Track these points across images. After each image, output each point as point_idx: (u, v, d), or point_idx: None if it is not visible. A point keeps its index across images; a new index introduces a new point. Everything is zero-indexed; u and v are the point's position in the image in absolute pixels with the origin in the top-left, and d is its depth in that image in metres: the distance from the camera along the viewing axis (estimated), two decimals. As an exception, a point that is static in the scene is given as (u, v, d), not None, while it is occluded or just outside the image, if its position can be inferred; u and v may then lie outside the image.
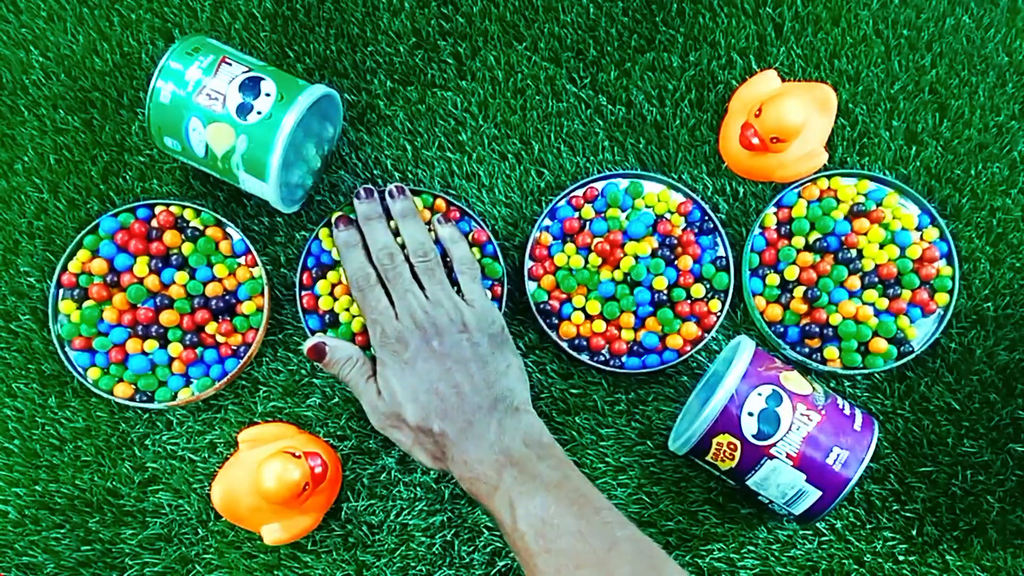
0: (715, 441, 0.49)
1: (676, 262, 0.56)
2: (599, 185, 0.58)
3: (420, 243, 0.54)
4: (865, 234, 0.56)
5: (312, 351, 0.52)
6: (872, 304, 0.56)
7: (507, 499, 0.46)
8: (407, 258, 0.54)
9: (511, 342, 0.53)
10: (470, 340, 0.51)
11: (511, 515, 0.45)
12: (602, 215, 0.57)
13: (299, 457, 0.50)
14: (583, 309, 0.57)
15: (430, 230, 0.56)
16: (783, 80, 0.59)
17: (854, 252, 0.56)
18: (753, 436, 0.48)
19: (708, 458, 0.50)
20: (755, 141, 0.55)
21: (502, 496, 0.46)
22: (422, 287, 0.53)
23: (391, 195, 0.55)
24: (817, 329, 0.56)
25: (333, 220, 0.56)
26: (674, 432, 0.55)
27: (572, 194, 0.58)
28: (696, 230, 0.57)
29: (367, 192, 0.55)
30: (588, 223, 0.57)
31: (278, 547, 0.55)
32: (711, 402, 0.49)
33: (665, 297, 0.56)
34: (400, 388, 0.50)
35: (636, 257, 0.56)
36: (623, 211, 0.58)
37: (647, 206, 0.58)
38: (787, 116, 0.53)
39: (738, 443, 0.49)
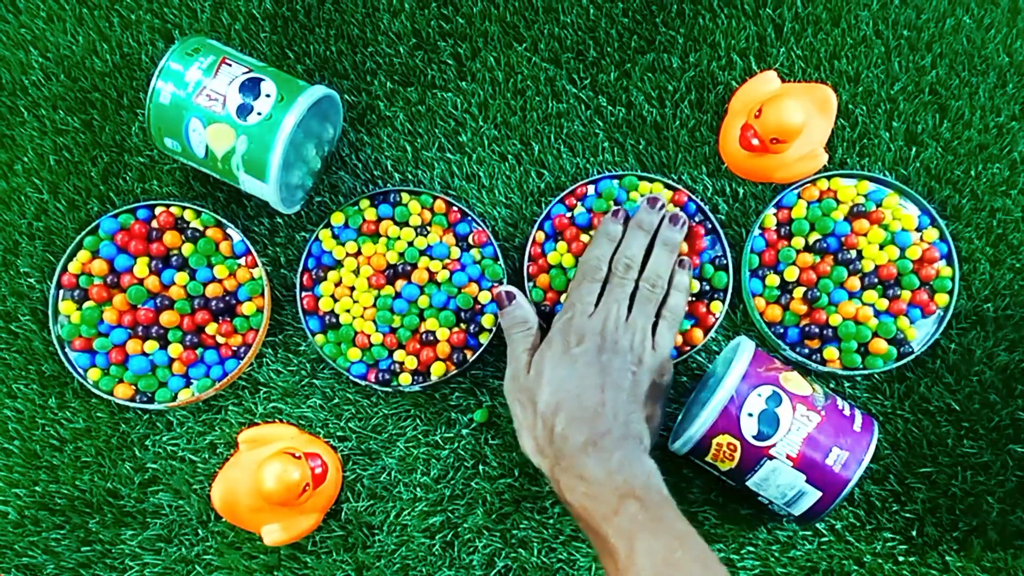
0: (715, 442, 0.49)
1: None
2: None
3: (658, 275, 0.53)
4: (865, 235, 0.56)
5: (500, 296, 0.54)
6: (872, 305, 0.56)
7: (626, 530, 0.45)
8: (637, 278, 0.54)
9: (666, 399, 0.53)
10: (635, 375, 0.50)
11: (628, 546, 0.44)
12: (590, 210, 0.57)
13: (299, 458, 0.50)
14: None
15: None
16: (783, 81, 0.59)
17: (854, 253, 0.56)
18: (753, 437, 0.48)
19: (708, 459, 0.50)
20: (755, 142, 0.55)
21: (619, 525, 0.45)
22: (630, 308, 0.53)
23: (672, 220, 0.55)
24: (817, 330, 0.56)
25: (610, 213, 0.55)
26: (674, 433, 0.55)
27: (567, 194, 0.58)
28: (694, 223, 0.57)
29: (652, 202, 0.55)
30: (575, 218, 0.58)
31: (278, 548, 0.55)
32: (711, 403, 0.49)
33: None
34: (550, 373, 0.50)
35: None
36: (618, 204, 0.58)
37: (641, 195, 0.58)
38: (787, 117, 0.53)
39: (738, 444, 0.49)
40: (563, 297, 0.57)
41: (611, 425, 0.48)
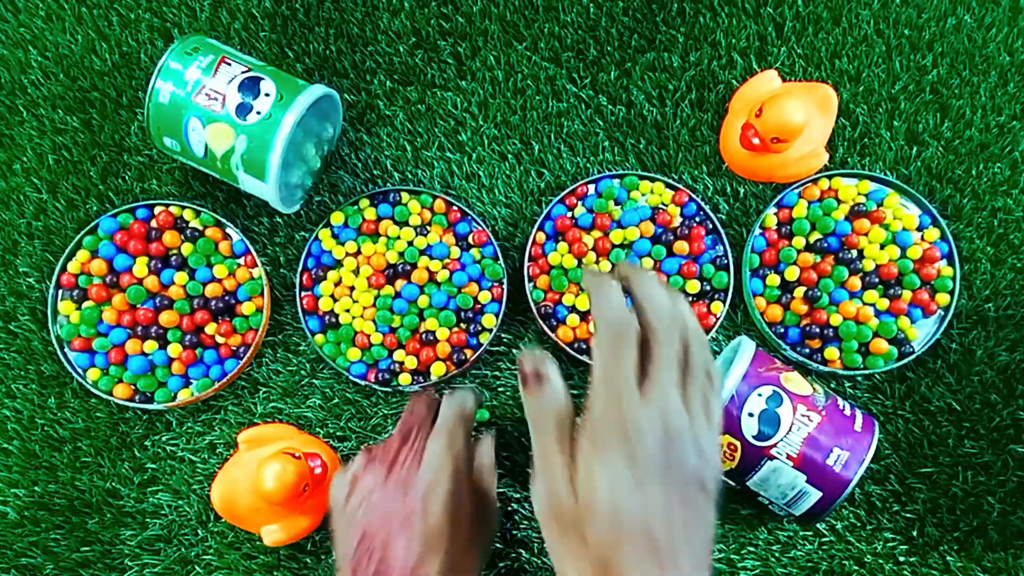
0: None
1: (674, 248, 0.56)
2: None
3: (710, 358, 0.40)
4: (866, 234, 0.56)
5: (528, 375, 0.39)
6: (873, 304, 0.56)
7: None
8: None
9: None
10: (701, 482, 0.37)
11: None
12: (591, 210, 0.57)
13: (299, 458, 0.50)
14: (577, 309, 0.56)
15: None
16: (783, 80, 0.59)
17: (855, 252, 0.56)
18: (753, 437, 0.48)
19: None
20: (756, 141, 0.55)
21: None
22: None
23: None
24: (817, 330, 0.56)
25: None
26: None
27: (568, 194, 0.58)
28: (695, 223, 0.57)
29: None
30: (577, 219, 0.57)
31: (278, 548, 0.55)
32: None
33: None
34: (607, 492, 0.36)
35: (629, 246, 0.56)
36: (618, 204, 0.57)
37: (643, 194, 0.58)
38: (788, 116, 0.53)
39: (738, 444, 0.48)
40: (566, 297, 0.57)
41: (679, 544, 0.35)
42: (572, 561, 0.37)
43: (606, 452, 0.36)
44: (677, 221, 0.57)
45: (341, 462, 0.56)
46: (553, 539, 0.38)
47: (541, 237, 0.57)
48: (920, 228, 0.57)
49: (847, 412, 0.50)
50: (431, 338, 0.56)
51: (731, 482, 0.51)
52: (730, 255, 0.57)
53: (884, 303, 0.56)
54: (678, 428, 0.36)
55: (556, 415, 0.39)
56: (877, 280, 0.56)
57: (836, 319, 0.55)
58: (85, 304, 0.56)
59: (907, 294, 0.56)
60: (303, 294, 0.57)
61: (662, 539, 0.35)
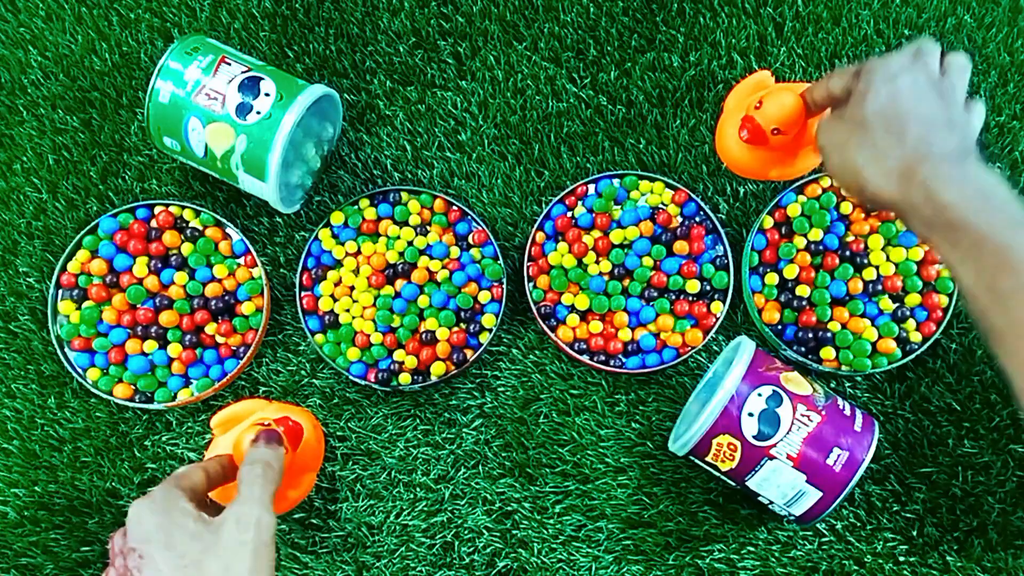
0: (715, 442, 0.49)
1: (674, 248, 0.57)
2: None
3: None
4: (867, 234, 0.56)
5: None
6: (874, 304, 0.56)
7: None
8: None
9: None
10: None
11: None
12: (591, 209, 0.57)
13: (269, 426, 0.50)
14: (577, 308, 0.56)
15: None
16: (778, 81, 0.58)
17: (855, 252, 0.56)
18: (753, 437, 0.48)
19: (708, 459, 0.50)
20: (745, 136, 0.54)
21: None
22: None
23: None
24: (817, 329, 0.56)
25: None
26: (674, 433, 0.55)
27: (568, 193, 0.58)
28: (694, 223, 0.57)
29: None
30: (577, 219, 0.57)
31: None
32: (711, 403, 0.48)
33: (656, 294, 0.56)
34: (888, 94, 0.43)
35: (629, 246, 0.56)
36: (618, 203, 0.58)
37: (642, 194, 0.58)
38: (789, 106, 0.53)
39: (738, 444, 0.48)
40: (566, 297, 0.57)
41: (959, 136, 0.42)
42: (874, 154, 0.43)
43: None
44: (677, 221, 0.57)
45: (318, 419, 0.55)
46: (852, 144, 0.44)
47: (541, 237, 0.57)
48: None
49: (847, 412, 0.50)
50: (431, 338, 0.56)
51: (731, 482, 0.51)
52: (730, 255, 0.57)
53: (885, 303, 0.56)
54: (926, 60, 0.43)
55: None
56: (878, 280, 0.56)
57: (836, 319, 0.55)
58: (85, 304, 0.56)
59: (912, 297, 0.56)
60: (303, 294, 0.57)
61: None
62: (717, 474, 0.51)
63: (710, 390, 0.51)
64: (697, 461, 0.52)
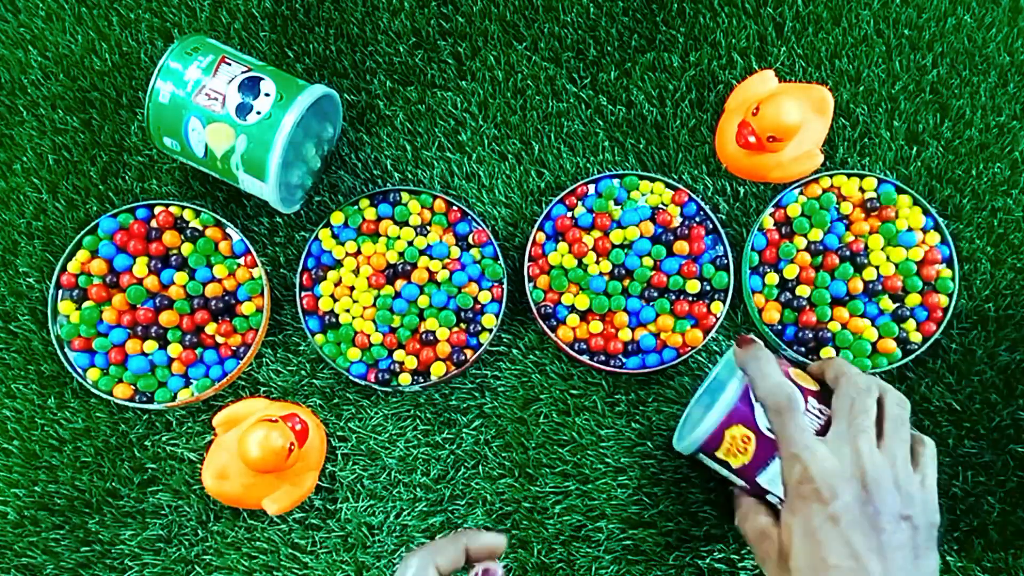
0: (728, 434, 0.48)
1: (674, 248, 0.57)
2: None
3: (903, 397, 0.45)
4: (867, 234, 0.56)
5: (744, 341, 0.47)
6: (875, 304, 0.56)
7: None
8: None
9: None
10: (912, 523, 0.41)
11: None
12: (591, 210, 0.57)
13: (276, 422, 0.50)
14: (577, 308, 0.56)
15: None
16: (780, 80, 0.59)
17: (855, 251, 0.56)
18: (767, 428, 0.47)
19: (719, 454, 0.49)
20: (752, 140, 0.54)
21: None
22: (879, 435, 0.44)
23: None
24: (817, 329, 0.56)
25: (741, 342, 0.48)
26: (679, 432, 0.54)
27: (568, 193, 0.58)
28: (695, 223, 0.57)
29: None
30: (577, 219, 0.57)
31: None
32: (726, 391, 0.48)
33: (656, 294, 0.56)
34: (805, 546, 0.41)
35: (629, 246, 0.56)
36: (618, 204, 0.58)
37: (642, 194, 0.58)
38: (785, 115, 0.53)
39: (752, 436, 0.48)
40: (566, 297, 0.56)
41: None
42: None
43: (797, 505, 0.42)
44: (677, 221, 0.57)
45: (321, 420, 0.56)
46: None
47: (541, 237, 0.57)
48: (925, 229, 0.57)
49: None
50: (431, 338, 0.56)
51: (740, 480, 0.50)
52: (730, 255, 0.57)
53: (885, 303, 0.56)
54: (873, 474, 0.41)
55: (752, 512, 0.48)
56: (878, 280, 0.56)
57: (836, 319, 0.55)
58: (85, 304, 0.56)
59: (912, 297, 0.56)
60: (303, 294, 0.57)
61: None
62: (725, 473, 0.50)
63: (711, 394, 0.51)
64: (706, 460, 0.51)
